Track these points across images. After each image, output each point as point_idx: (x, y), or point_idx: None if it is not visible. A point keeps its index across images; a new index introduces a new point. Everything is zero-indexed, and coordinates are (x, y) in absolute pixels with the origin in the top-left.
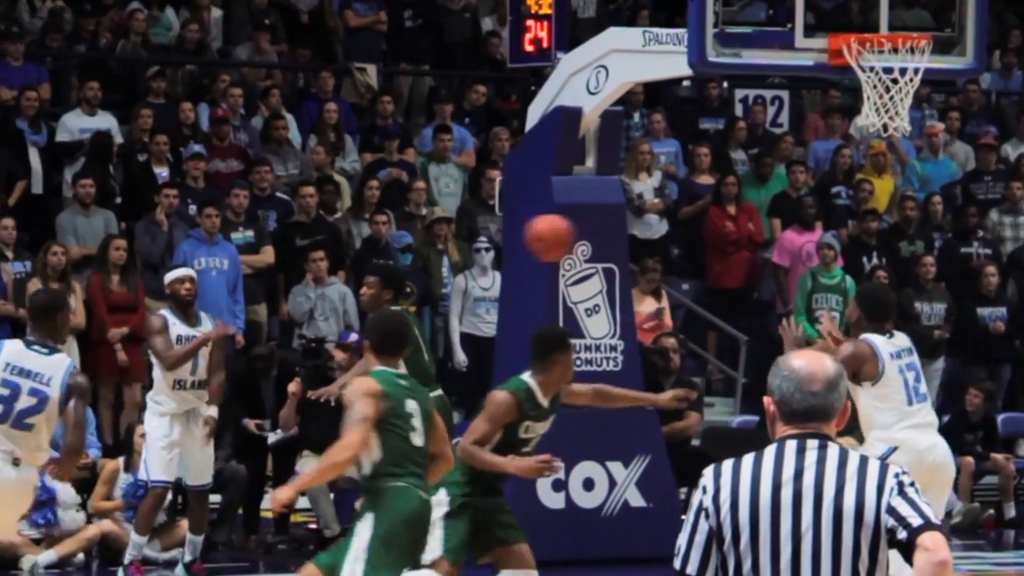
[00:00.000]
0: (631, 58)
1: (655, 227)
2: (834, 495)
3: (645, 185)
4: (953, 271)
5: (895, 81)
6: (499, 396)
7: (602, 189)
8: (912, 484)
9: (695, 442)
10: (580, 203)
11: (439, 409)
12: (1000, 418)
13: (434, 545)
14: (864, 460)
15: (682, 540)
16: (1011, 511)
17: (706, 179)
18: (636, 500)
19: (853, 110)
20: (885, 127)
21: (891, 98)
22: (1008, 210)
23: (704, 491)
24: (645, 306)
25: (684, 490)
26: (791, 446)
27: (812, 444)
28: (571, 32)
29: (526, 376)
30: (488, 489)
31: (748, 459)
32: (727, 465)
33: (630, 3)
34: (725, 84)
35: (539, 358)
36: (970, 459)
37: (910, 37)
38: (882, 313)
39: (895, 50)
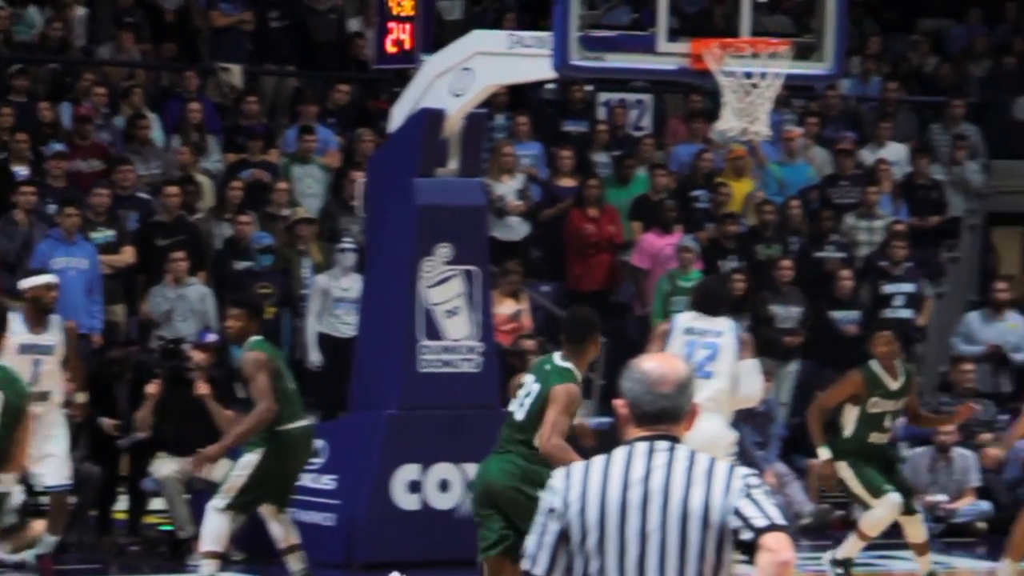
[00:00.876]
0: (496, 61)
1: (516, 229)
2: (681, 496)
3: (507, 187)
4: (808, 275)
5: (755, 86)
6: (568, 388)
7: (464, 191)
8: (760, 486)
9: None
10: (442, 205)
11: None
12: None
13: None
14: (713, 463)
15: (531, 541)
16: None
17: (568, 182)
18: None
19: (714, 114)
20: (745, 131)
21: (751, 103)
22: (864, 214)
23: (554, 492)
24: (504, 308)
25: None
26: (641, 448)
27: (662, 446)
28: (437, 34)
29: (561, 361)
30: None
31: (599, 461)
32: (578, 467)
33: (496, 5)
34: (589, 88)
35: (575, 340)
36: (818, 461)
37: (771, 43)
38: (707, 303)
39: (756, 55)
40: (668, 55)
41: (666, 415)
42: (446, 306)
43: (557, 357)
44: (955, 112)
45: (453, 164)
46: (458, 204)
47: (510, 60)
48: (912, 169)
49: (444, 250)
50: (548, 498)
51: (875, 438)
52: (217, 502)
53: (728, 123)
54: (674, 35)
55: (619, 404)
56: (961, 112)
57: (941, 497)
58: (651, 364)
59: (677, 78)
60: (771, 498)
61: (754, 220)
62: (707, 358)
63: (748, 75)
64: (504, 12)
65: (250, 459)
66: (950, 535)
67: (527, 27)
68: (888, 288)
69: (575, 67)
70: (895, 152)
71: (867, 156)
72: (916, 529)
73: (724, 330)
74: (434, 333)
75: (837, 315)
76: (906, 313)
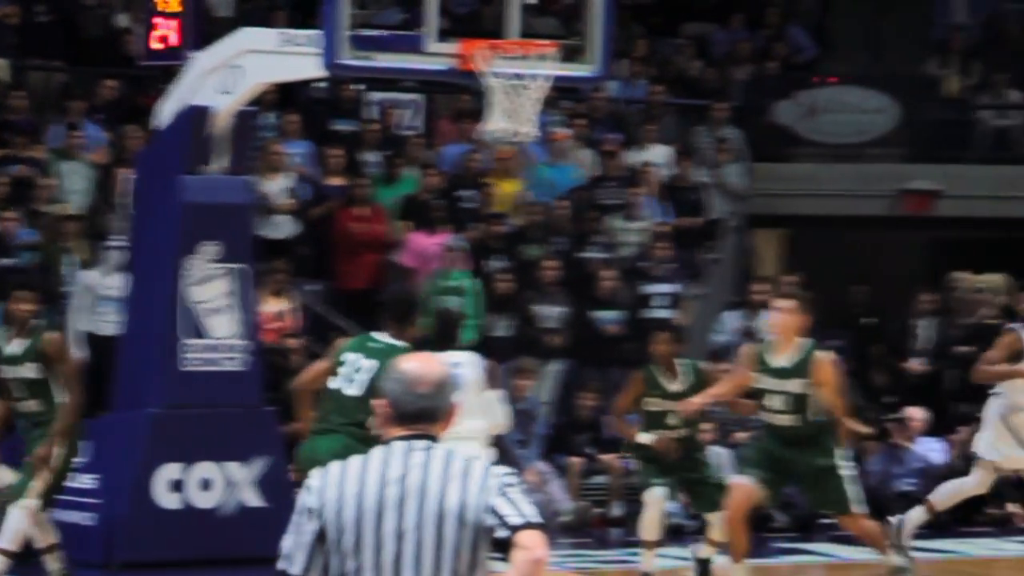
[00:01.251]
0: (265, 59)
1: (284, 228)
2: (438, 495)
3: (276, 185)
4: (572, 275)
5: (524, 87)
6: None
7: (232, 189)
8: (516, 484)
9: None
10: (208, 202)
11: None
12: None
13: None
14: (470, 462)
15: (287, 541)
16: (617, 510)
17: (337, 180)
18: (253, 500)
19: (483, 114)
20: (513, 132)
21: (519, 104)
22: (627, 216)
23: (310, 491)
24: (270, 306)
25: None
26: (399, 447)
27: (419, 445)
28: (206, 30)
29: (391, 340)
30: None
31: (356, 460)
32: (335, 466)
33: (266, 3)
34: (360, 87)
35: (399, 319)
36: (578, 459)
37: (538, 44)
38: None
39: (524, 57)
40: (437, 55)
41: (424, 414)
42: (211, 304)
43: (380, 336)
44: (718, 115)
45: (221, 162)
46: (224, 202)
47: (279, 58)
48: (675, 171)
49: (210, 248)
50: (304, 497)
51: None
52: (28, 502)
53: (496, 124)
54: (444, 36)
55: (379, 404)
56: (724, 115)
57: None
58: (410, 364)
59: (446, 78)
60: (528, 496)
61: (521, 220)
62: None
63: (516, 76)
64: (274, 9)
65: (57, 452)
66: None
67: (298, 25)
68: (649, 289)
69: (344, 66)
70: (660, 154)
71: (633, 158)
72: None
73: (464, 362)
74: (198, 331)
75: (598, 315)
76: (666, 313)
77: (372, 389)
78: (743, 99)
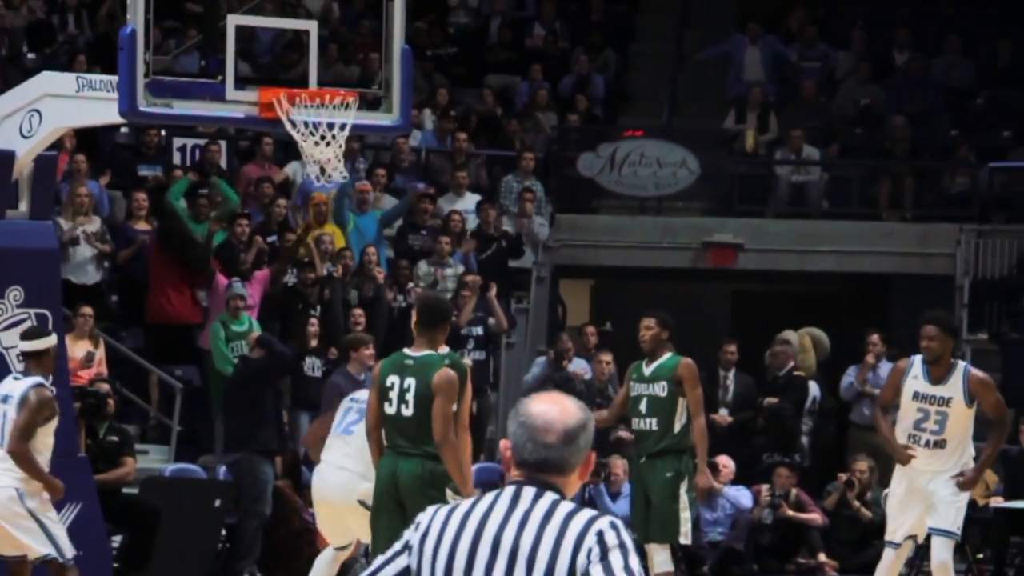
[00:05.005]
0: (64, 103)
1: (91, 273)
2: (528, 552)
3: (82, 229)
4: (381, 321)
5: (323, 137)
6: (445, 373)
7: (35, 233)
8: (620, 545)
9: (131, 489)
10: (12, 247)
11: None
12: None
13: None
14: (570, 515)
15: (378, 561)
16: None
17: (144, 225)
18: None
19: (286, 160)
20: (323, 178)
21: (323, 152)
22: (436, 262)
23: (416, 528)
24: (79, 350)
25: (117, 538)
26: (507, 494)
27: (528, 493)
28: (7, 74)
29: (421, 351)
30: None
31: (465, 504)
32: (444, 509)
33: (67, 48)
34: (163, 132)
35: (429, 326)
36: None
37: (338, 93)
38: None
39: (324, 105)
40: (237, 103)
41: (548, 467)
42: (17, 349)
43: (412, 351)
44: (523, 166)
45: (23, 206)
46: (29, 246)
47: (78, 103)
48: (480, 220)
49: (15, 293)
50: (408, 532)
51: None
52: None
53: (303, 170)
54: (244, 83)
55: (504, 446)
56: (529, 166)
57: None
58: (539, 407)
59: (246, 126)
60: (631, 555)
61: (331, 267)
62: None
63: (316, 125)
64: (76, 54)
65: None
66: None
67: (100, 69)
68: (463, 331)
69: (142, 113)
70: (467, 203)
71: (442, 206)
72: None
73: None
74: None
75: None
76: (479, 355)
77: (421, 407)
78: (546, 150)
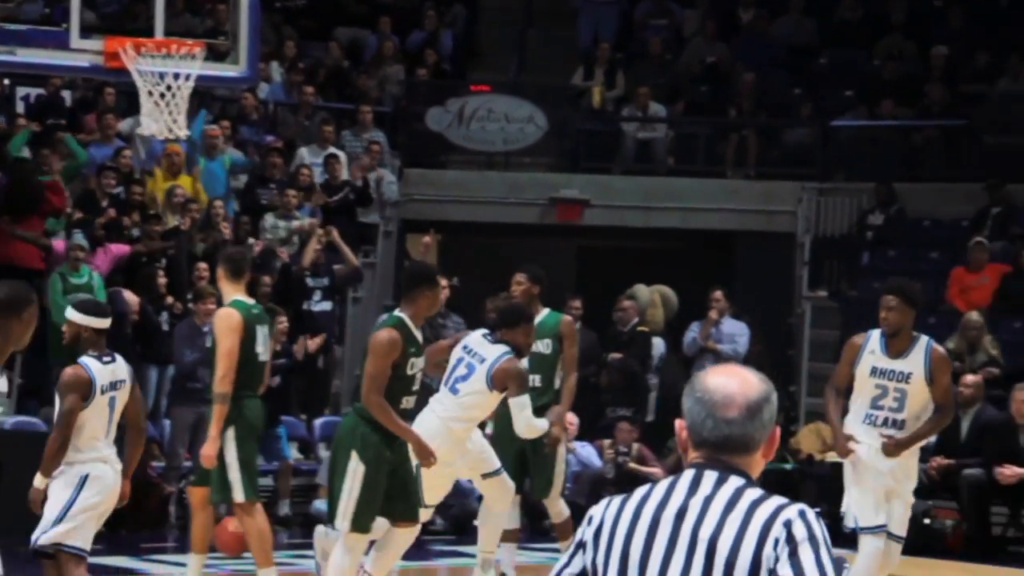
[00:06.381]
0: None
1: None
2: (708, 541)
3: None
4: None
5: (169, 87)
6: (381, 334)
7: None
8: (811, 537)
9: None
10: None
11: None
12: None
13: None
14: (756, 503)
15: (555, 569)
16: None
17: None
18: None
19: (130, 111)
20: (165, 130)
21: (168, 103)
22: (282, 215)
23: (589, 523)
24: None
25: None
26: (686, 478)
27: (709, 477)
28: None
29: (396, 312)
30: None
31: (640, 491)
32: (618, 497)
33: None
34: (7, 81)
35: (407, 291)
36: None
37: (185, 43)
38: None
39: (171, 56)
40: (82, 52)
41: (730, 444)
42: None
43: (396, 311)
44: (368, 119)
45: None
46: None
47: None
48: (328, 174)
49: None
50: (582, 528)
51: None
52: None
53: (148, 122)
54: (90, 32)
55: (679, 426)
56: (367, 119)
57: None
58: (717, 380)
59: (91, 75)
60: (822, 548)
61: (179, 219)
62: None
63: (162, 75)
64: None
65: None
66: None
67: None
68: (309, 282)
69: None
70: (315, 156)
71: (288, 159)
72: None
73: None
74: None
75: None
76: (326, 305)
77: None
78: (394, 104)
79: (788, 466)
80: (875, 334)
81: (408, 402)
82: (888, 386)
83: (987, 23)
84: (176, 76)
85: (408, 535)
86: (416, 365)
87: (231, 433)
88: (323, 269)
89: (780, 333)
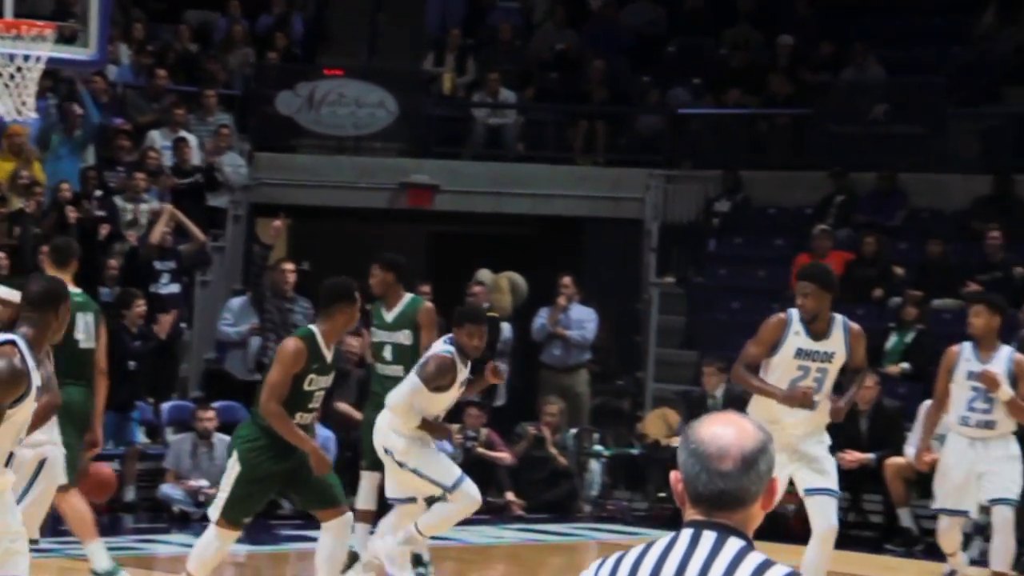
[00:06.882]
0: None
1: None
2: None
3: None
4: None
5: (20, 69)
6: (288, 343)
7: None
8: None
9: None
10: None
11: None
12: None
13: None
14: (760, 569)
15: None
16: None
17: None
18: None
19: None
20: (16, 112)
21: (17, 83)
22: (131, 198)
23: None
24: None
25: None
26: (684, 537)
27: (708, 537)
28: None
29: (311, 325)
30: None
31: (635, 551)
32: (612, 558)
33: None
34: None
35: (324, 306)
36: None
37: (35, 25)
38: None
39: (20, 37)
40: None
41: (725, 499)
42: None
43: (312, 325)
44: (213, 103)
45: None
46: None
47: None
48: (177, 157)
49: None
50: None
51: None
52: None
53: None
54: None
55: (674, 479)
56: (223, 103)
57: (203, 482)
58: (710, 431)
59: None
60: None
61: (23, 203)
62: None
63: (12, 57)
64: None
65: None
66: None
67: None
68: (157, 265)
69: None
70: (165, 139)
71: (138, 142)
72: None
73: None
74: None
75: (105, 291)
76: (174, 288)
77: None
78: (244, 88)
79: (634, 451)
80: (796, 314)
81: (303, 418)
82: (810, 367)
83: (832, 14)
84: (26, 58)
85: (336, 530)
86: (317, 383)
87: (54, 420)
88: (170, 252)
89: (628, 319)
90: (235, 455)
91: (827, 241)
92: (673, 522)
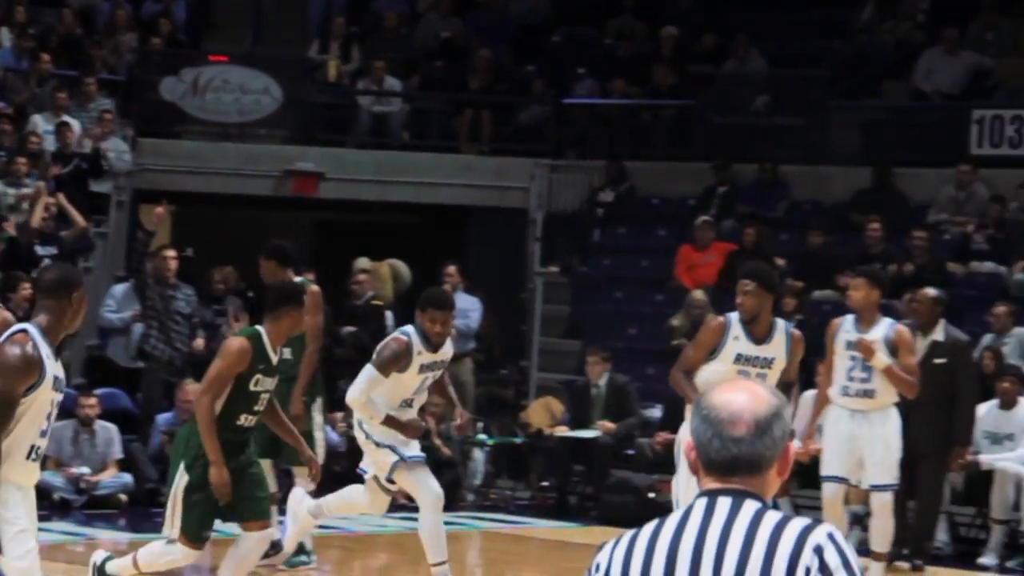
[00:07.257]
0: None
1: None
2: (734, 571)
3: None
4: None
5: None
6: (232, 341)
7: None
8: (845, 564)
9: None
10: None
11: None
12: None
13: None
14: (779, 527)
15: None
16: None
17: None
18: None
19: None
20: None
21: None
22: (12, 183)
23: (596, 570)
24: None
25: None
26: (700, 506)
27: (723, 503)
28: None
29: (258, 326)
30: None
31: (650, 526)
32: (626, 536)
33: None
34: None
35: (270, 309)
36: None
37: None
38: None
39: None
40: None
41: (739, 464)
42: None
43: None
44: (93, 89)
45: None
46: None
47: None
48: (59, 142)
49: None
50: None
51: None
52: None
53: None
54: None
55: (687, 448)
56: (106, 88)
57: (85, 470)
58: (723, 398)
59: None
60: (858, 574)
61: None
62: None
63: None
64: None
65: None
66: (92, 506)
67: None
68: (38, 250)
69: None
70: (47, 123)
71: (19, 126)
72: None
73: None
74: None
75: None
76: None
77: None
78: (128, 73)
79: (518, 440)
80: (735, 318)
81: (248, 420)
82: (750, 372)
83: (715, 6)
84: None
85: (258, 538)
86: (262, 384)
87: None
88: (52, 238)
89: (512, 308)
90: (181, 466)
91: (709, 232)
92: (556, 512)
